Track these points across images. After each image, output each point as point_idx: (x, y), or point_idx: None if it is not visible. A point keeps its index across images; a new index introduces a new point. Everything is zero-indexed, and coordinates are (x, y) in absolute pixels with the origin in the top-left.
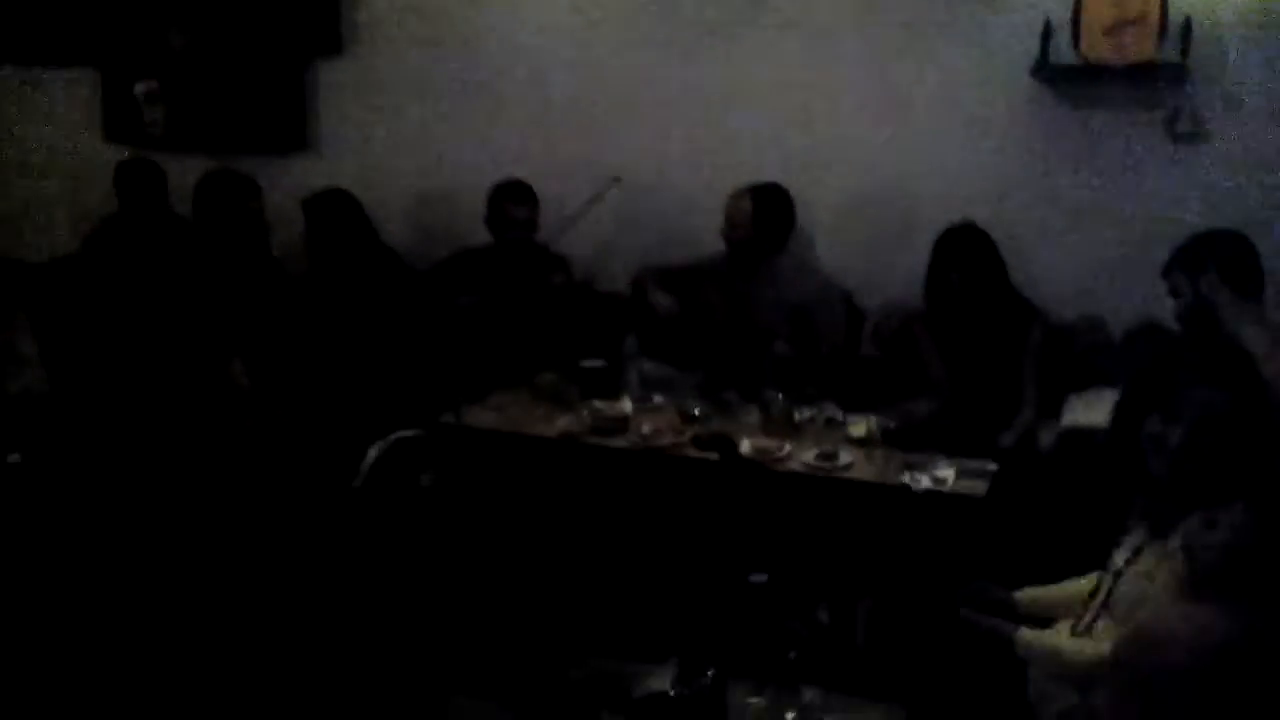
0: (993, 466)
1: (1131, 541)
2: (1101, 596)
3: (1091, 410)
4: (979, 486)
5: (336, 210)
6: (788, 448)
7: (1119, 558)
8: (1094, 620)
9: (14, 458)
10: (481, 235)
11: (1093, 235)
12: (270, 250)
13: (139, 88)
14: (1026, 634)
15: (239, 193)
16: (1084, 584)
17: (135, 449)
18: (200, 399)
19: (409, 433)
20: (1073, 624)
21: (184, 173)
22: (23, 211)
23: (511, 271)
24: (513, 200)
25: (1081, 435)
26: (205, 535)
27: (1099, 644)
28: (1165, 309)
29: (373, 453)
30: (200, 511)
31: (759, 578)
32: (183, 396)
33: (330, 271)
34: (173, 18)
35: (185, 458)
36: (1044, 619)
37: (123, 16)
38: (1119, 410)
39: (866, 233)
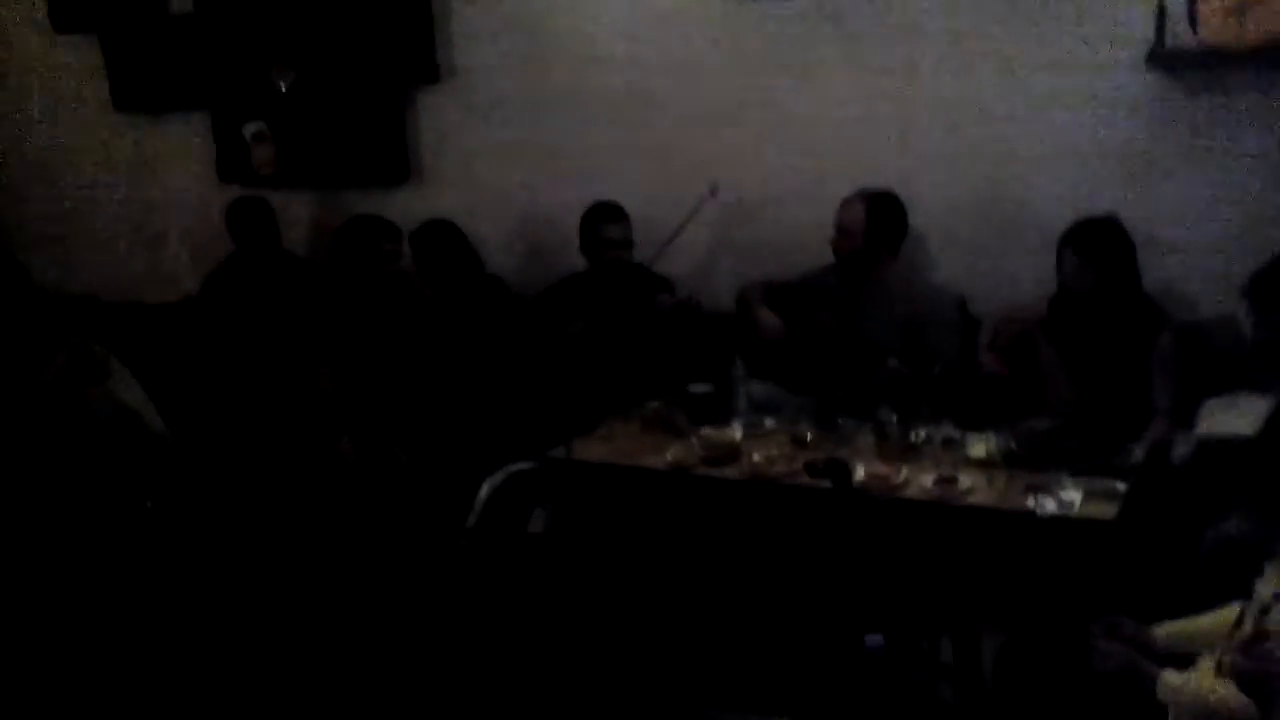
0: (1122, 487)
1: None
2: (1244, 633)
3: (1230, 417)
4: (1109, 509)
5: (442, 241)
6: (904, 473)
7: (1264, 588)
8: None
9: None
10: (583, 260)
11: (1218, 230)
12: (411, 288)
13: (248, 129)
14: (1172, 678)
15: (376, 235)
16: (1226, 615)
17: (247, 501)
18: (307, 473)
19: (521, 466)
20: (1216, 661)
21: (294, 209)
22: (145, 255)
23: (615, 294)
24: (606, 220)
25: (1220, 445)
26: (316, 583)
27: None
28: None
29: (486, 489)
30: (309, 559)
31: (875, 640)
32: (291, 467)
33: (437, 301)
34: (275, 58)
35: (292, 517)
36: (1183, 655)
37: (229, 59)
38: (1273, 419)
39: (976, 236)
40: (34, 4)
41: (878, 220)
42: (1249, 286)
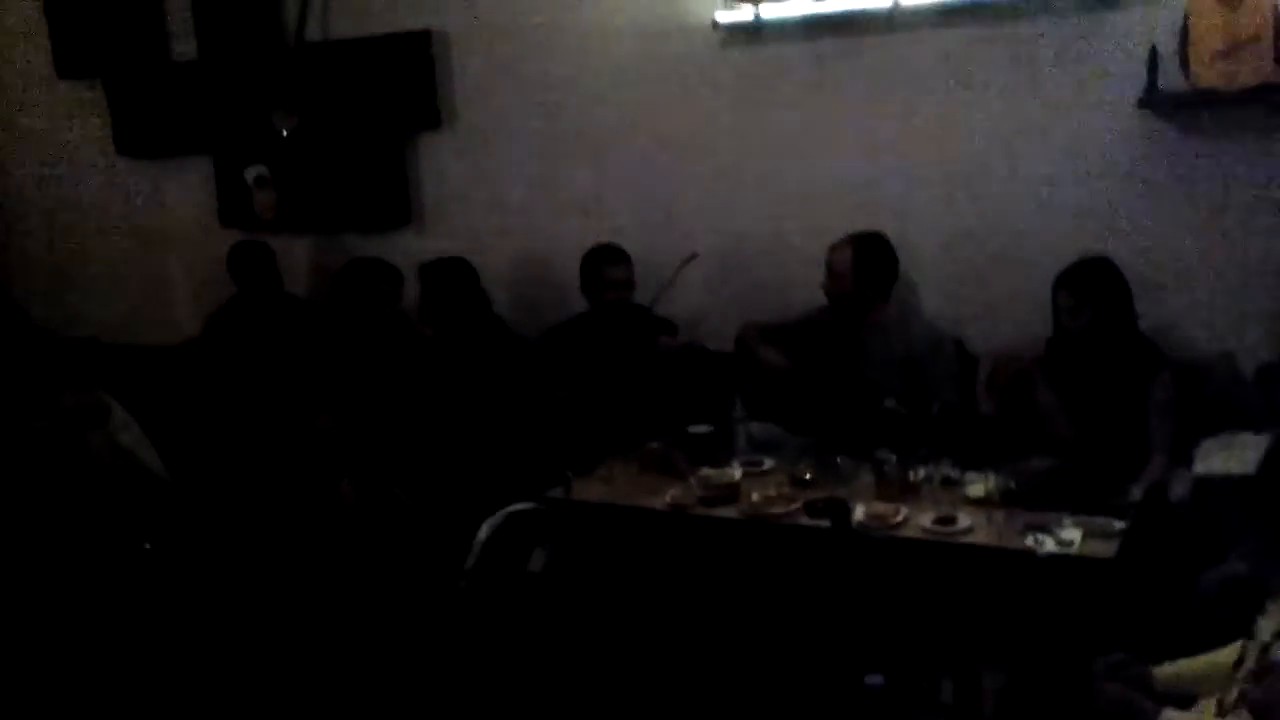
0: (1120, 525)
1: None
2: (1248, 670)
3: (1227, 456)
4: (1107, 548)
5: (454, 278)
6: (904, 512)
7: (1266, 626)
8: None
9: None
10: (582, 302)
11: (1212, 270)
12: (410, 328)
13: (249, 173)
14: (1174, 718)
15: (375, 277)
16: (1227, 654)
17: (247, 543)
18: (307, 514)
19: (520, 507)
20: (1218, 701)
21: (295, 253)
22: (147, 298)
23: (616, 336)
24: (608, 261)
25: (1218, 484)
26: (316, 624)
27: None
28: None
29: (485, 529)
30: (309, 601)
31: (875, 680)
32: (291, 508)
33: (437, 341)
34: (277, 104)
35: (292, 559)
36: (1185, 695)
37: (231, 105)
38: (1271, 457)
39: (972, 277)
40: (38, 49)
41: (866, 262)
42: None
